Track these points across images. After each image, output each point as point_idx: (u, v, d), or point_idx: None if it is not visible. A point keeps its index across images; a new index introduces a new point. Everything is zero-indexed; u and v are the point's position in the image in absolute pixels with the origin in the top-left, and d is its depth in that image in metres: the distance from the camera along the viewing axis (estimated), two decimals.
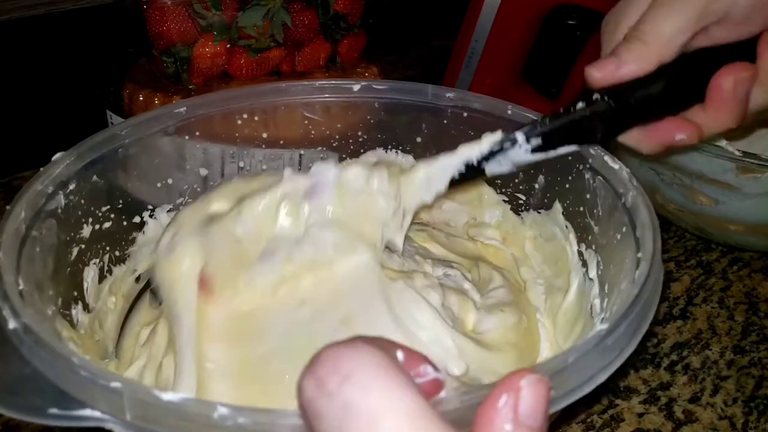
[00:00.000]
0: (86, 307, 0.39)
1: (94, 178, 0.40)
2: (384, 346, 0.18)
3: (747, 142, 0.57)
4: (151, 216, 0.45)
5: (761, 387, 0.47)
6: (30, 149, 0.39)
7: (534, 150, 0.36)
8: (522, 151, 0.36)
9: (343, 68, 0.64)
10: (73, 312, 0.38)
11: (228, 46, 0.58)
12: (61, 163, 0.38)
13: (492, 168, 0.37)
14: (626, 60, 0.36)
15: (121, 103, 0.60)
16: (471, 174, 0.37)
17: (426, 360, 0.20)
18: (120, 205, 0.42)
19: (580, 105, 0.36)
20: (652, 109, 0.37)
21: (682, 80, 0.37)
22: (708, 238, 0.60)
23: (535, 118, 0.38)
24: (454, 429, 0.17)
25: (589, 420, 0.44)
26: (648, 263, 0.32)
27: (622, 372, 0.47)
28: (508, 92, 0.73)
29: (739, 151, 0.50)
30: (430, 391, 0.20)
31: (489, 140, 0.36)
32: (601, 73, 0.37)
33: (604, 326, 0.28)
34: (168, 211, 0.46)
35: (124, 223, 0.43)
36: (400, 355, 0.19)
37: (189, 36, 0.57)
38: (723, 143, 0.51)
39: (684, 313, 0.53)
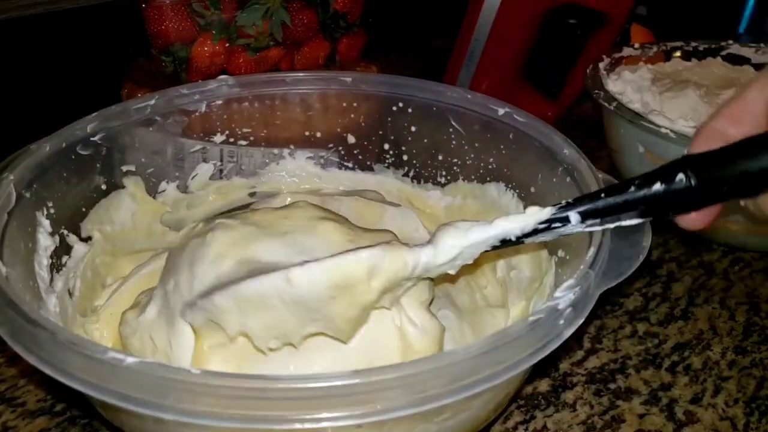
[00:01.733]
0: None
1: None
2: None
3: None
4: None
5: (762, 388, 0.47)
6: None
7: (589, 225, 0.32)
8: (572, 230, 0.32)
9: (342, 67, 0.64)
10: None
11: (227, 45, 0.57)
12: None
13: (532, 239, 0.33)
14: (703, 132, 0.31)
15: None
16: (505, 246, 0.33)
17: None
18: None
19: (655, 184, 0.30)
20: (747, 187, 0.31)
21: None
22: (709, 238, 0.60)
23: (596, 187, 0.34)
24: None
25: (589, 421, 0.43)
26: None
27: (623, 372, 0.47)
28: (508, 92, 0.73)
29: None
30: None
31: (535, 217, 0.32)
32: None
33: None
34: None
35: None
36: None
37: (187, 35, 0.57)
38: None
39: (685, 314, 0.53)
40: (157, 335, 0.36)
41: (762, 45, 0.73)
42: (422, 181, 0.52)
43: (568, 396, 0.45)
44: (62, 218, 0.42)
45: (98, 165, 0.45)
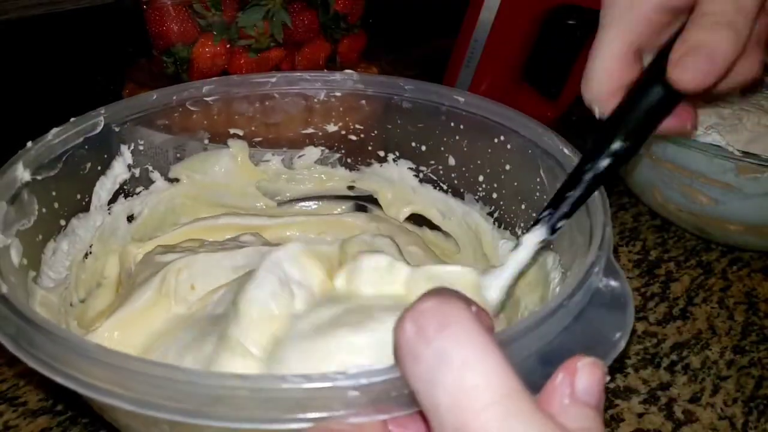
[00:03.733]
0: None
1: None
2: (467, 301, 0.21)
3: (747, 142, 0.57)
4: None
5: (761, 387, 0.47)
6: None
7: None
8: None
9: (342, 68, 0.64)
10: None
11: (228, 46, 0.58)
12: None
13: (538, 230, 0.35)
14: (717, 47, 0.31)
15: None
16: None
17: (488, 316, 0.22)
18: None
19: (603, 161, 0.34)
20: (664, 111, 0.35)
21: None
22: (708, 238, 0.60)
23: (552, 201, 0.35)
24: (528, 390, 0.18)
25: None
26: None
27: (622, 372, 0.47)
28: (508, 92, 0.73)
29: (739, 151, 0.50)
30: None
31: (530, 245, 0.35)
32: (690, 74, 0.32)
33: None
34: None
35: None
36: (473, 309, 0.21)
37: (189, 36, 0.57)
38: (723, 143, 0.51)
39: (684, 313, 0.53)
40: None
41: None
42: (503, 227, 0.47)
43: None
44: (148, 159, 0.47)
45: (204, 122, 0.47)
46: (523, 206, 0.43)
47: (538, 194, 0.42)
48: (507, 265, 0.35)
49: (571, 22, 0.72)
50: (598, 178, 0.34)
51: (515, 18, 0.71)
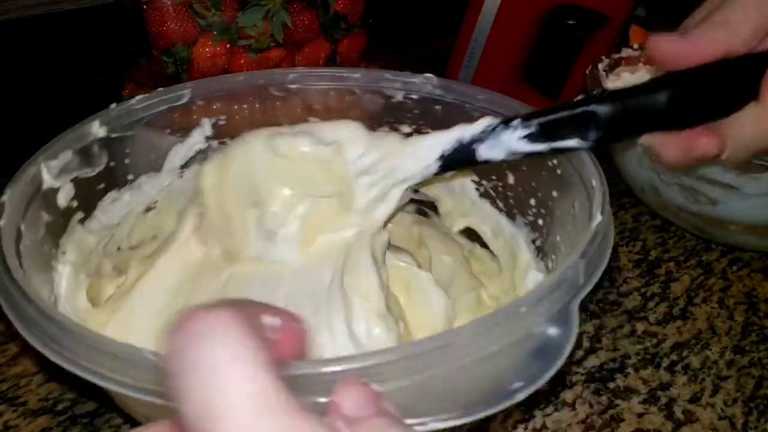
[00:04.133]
0: None
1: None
2: (248, 308, 0.20)
3: None
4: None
5: (761, 387, 0.47)
6: (30, 150, 0.39)
7: (529, 138, 0.34)
8: (516, 137, 0.35)
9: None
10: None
11: (228, 46, 0.58)
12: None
13: (485, 152, 0.36)
14: (698, 41, 0.33)
15: None
16: (463, 155, 0.36)
17: (292, 316, 0.21)
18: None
19: (582, 100, 0.34)
20: (669, 116, 0.34)
21: (716, 85, 0.35)
22: (708, 238, 0.60)
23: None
24: (288, 391, 0.18)
25: (589, 420, 0.44)
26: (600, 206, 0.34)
27: (622, 372, 0.47)
28: (507, 92, 0.73)
29: None
30: (292, 346, 0.21)
31: (484, 122, 0.36)
32: (666, 46, 0.34)
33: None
34: None
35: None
36: (266, 318, 0.20)
37: (189, 36, 0.57)
38: None
39: (684, 314, 0.53)
40: None
41: None
42: (541, 257, 0.45)
43: (568, 395, 0.45)
44: (228, 133, 0.48)
45: (285, 108, 0.49)
46: (558, 238, 0.42)
47: (570, 227, 0.40)
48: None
49: (571, 22, 0.72)
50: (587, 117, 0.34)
51: (515, 18, 0.71)
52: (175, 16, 0.56)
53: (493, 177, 0.47)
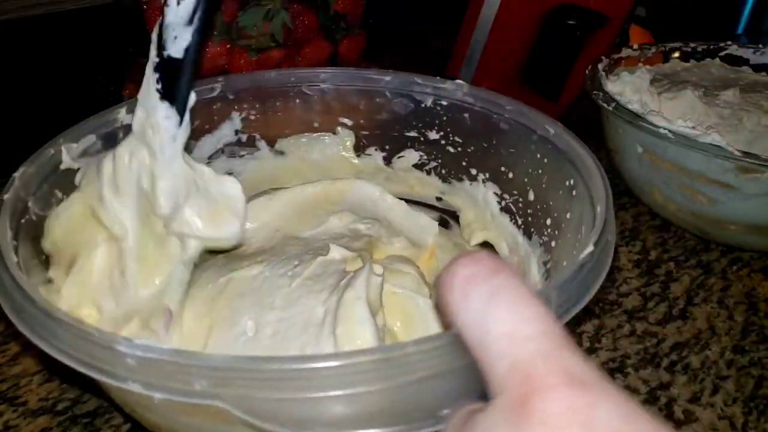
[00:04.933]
0: None
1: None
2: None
3: (747, 142, 0.57)
4: None
5: (761, 387, 0.47)
6: (29, 150, 0.39)
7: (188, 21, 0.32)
8: (178, 17, 0.32)
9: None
10: None
11: (228, 46, 0.58)
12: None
13: (176, 46, 0.33)
14: None
15: None
16: (175, 67, 0.33)
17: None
18: None
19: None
20: None
21: None
22: (708, 238, 0.60)
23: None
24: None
25: None
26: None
27: (622, 372, 0.47)
28: (507, 92, 0.73)
29: (739, 151, 0.50)
30: None
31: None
32: None
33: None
34: None
35: None
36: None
37: None
38: (723, 143, 0.51)
39: (684, 313, 0.53)
40: None
41: (760, 46, 0.73)
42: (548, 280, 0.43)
43: None
44: (258, 128, 0.50)
45: (316, 107, 0.51)
46: (564, 263, 0.39)
47: (575, 252, 0.36)
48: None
49: (571, 22, 0.72)
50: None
51: (515, 18, 0.71)
52: None
53: (515, 192, 0.46)
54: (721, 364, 0.49)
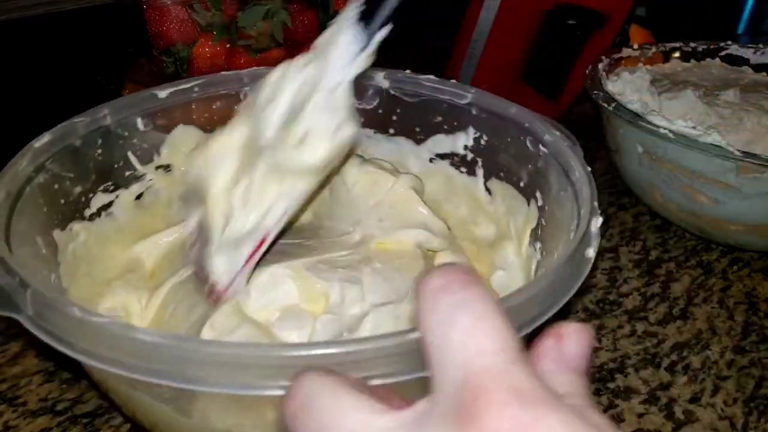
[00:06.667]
0: None
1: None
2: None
3: (747, 142, 0.57)
4: None
5: (761, 387, 0.47)
6: None
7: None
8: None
9: None
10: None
11: (228, 46, 0.58)
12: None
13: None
14: None
15: None
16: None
17: None
18: None
19: None
20: None
21: None
22: (708, 238, 0.60)
23: None
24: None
25: None
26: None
27: (622, 372, 0.47)
28: (507, 92, 0.73)
29: (739, 151, 0.50)
30: None
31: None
32: None
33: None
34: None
35: None
36: None
37: (189, 36, 0.57)
38: (723, 143, 0.51)
39: (684, 314, 0.53)
40: None
41: (761, 46, 0.73)
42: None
43: None
44: None
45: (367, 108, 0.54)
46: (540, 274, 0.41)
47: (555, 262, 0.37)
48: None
49: (571, 22, 0.72)
50: None
51: (515, 18, 0.71)
52: (174, 16, 0.56)
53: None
54: (721, 364, 0.48)
